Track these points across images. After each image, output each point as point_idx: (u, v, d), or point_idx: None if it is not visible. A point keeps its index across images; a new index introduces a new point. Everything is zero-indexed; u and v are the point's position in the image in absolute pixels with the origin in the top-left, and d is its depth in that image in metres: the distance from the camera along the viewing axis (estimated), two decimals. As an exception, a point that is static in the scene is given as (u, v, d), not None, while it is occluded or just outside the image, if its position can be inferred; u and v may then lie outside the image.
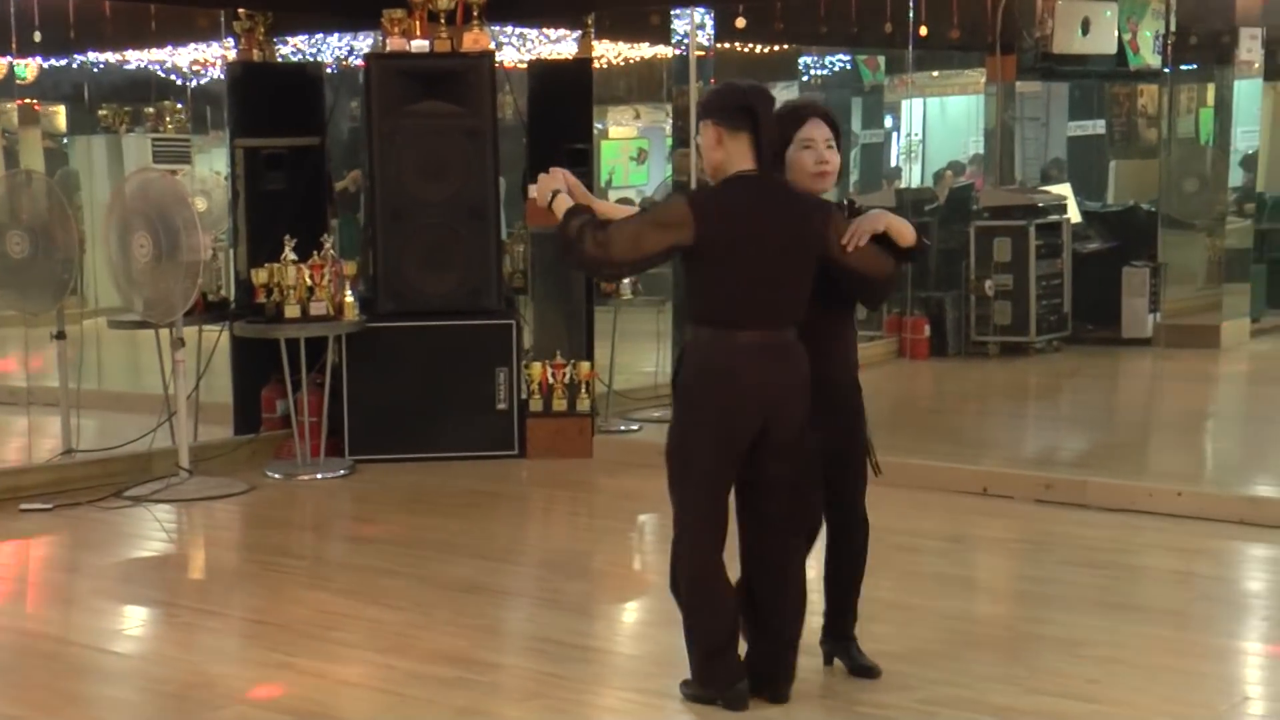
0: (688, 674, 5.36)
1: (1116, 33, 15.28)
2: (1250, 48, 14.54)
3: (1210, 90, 16.73)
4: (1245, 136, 15.23)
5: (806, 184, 5.35)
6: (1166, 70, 15.29)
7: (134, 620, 6.89)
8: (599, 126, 14.70)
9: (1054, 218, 14.12)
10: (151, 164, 12.67)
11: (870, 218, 5.31)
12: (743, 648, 5.31)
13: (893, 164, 18.18)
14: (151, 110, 14.19)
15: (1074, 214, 14.71)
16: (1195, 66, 16.31)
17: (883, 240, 5.29)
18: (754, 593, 5.31)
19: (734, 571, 5.31)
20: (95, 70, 13.94)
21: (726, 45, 13.83)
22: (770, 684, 5.30)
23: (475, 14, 10.18)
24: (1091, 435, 10.79)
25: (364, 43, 11.46)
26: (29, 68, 13.28)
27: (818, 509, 5.51)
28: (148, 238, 8.97)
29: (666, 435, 5.32)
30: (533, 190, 5.95)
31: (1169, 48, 14.97)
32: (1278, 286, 15.77)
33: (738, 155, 5.17)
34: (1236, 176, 15.18)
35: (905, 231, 5.31)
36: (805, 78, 16.75)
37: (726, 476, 5.22)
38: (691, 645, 5.32)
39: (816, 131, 5.41)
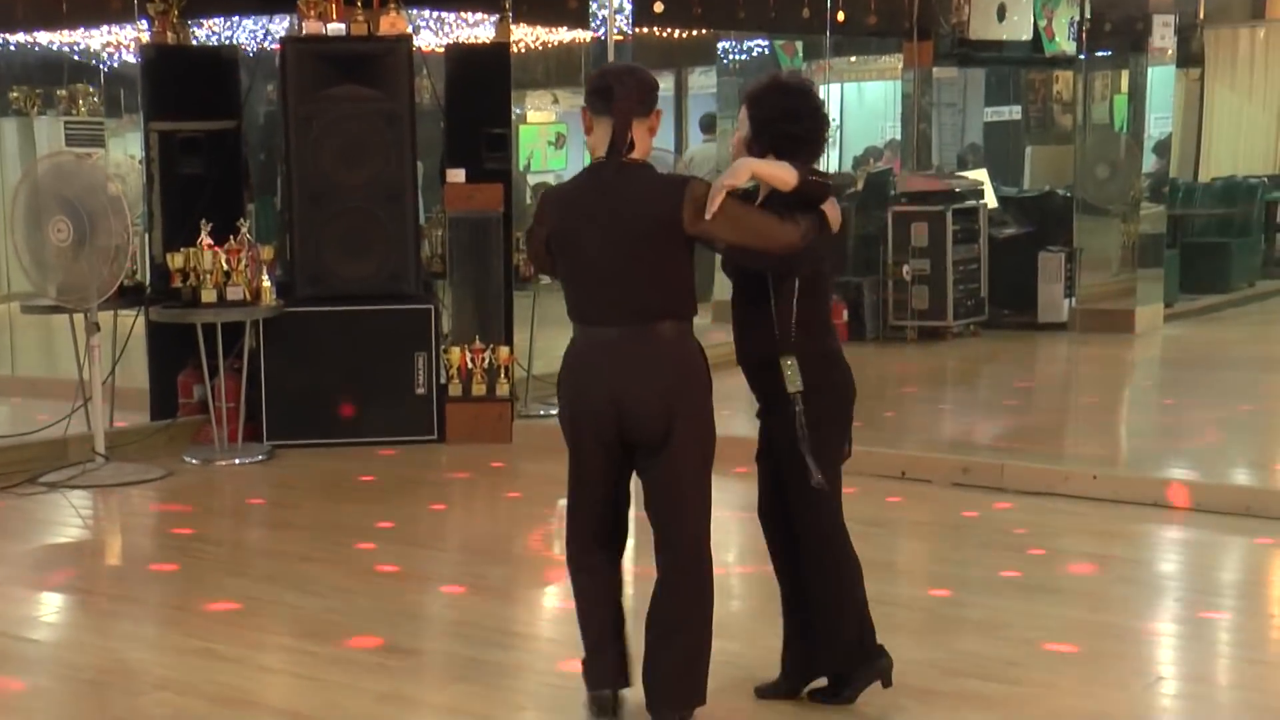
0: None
1: (1032, 19, 15.40)
2: (1164, 34, 14.70)
3: (1124, 77, 16.90)
4: (1158, 123, 15.38)
5: None
6: (1081, 57, 15.44)
7: (50, 607, 6.83)
8: (517, 111, 14.68)
9: (971, 203, 14.21)
10: (64, 147, 12.55)
11: (728, 172, 4.85)
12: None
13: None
14: (64, 93, 14.05)
15: (990, 199, 14.82)
16: (1110, 53, 16.49)
17: (784, 197, 4.90)
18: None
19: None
20: (6, 51, 13.78)
21: (645, 30, 13.83)
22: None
23: (392, -3, 10.14)
24: (1008, 419, 10.87)
25: (280, 25, 11.37)
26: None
27: (821, 514, 5.20)
28: (66, 222, 8.88)
29: None
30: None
31: (1084, 34, 15.12)
32: (1191, 272, 15.97)
33: (601, 140, 4.85)
34: (1150, 162, 15.32)
35: (780, 175, 4.87)
36: (724, 62, 16.77)
37: (593, 471, 4.96)
38: None
39: None
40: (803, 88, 5.18)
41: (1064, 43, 16.03)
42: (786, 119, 5.00)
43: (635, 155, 4.85)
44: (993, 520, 7.89)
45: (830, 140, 5.17)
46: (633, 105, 4.83)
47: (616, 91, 4.83)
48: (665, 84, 17.98)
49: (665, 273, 4.86)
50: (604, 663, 5.09)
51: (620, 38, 10.62)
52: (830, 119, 5.13)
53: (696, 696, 4.98)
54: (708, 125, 16.49)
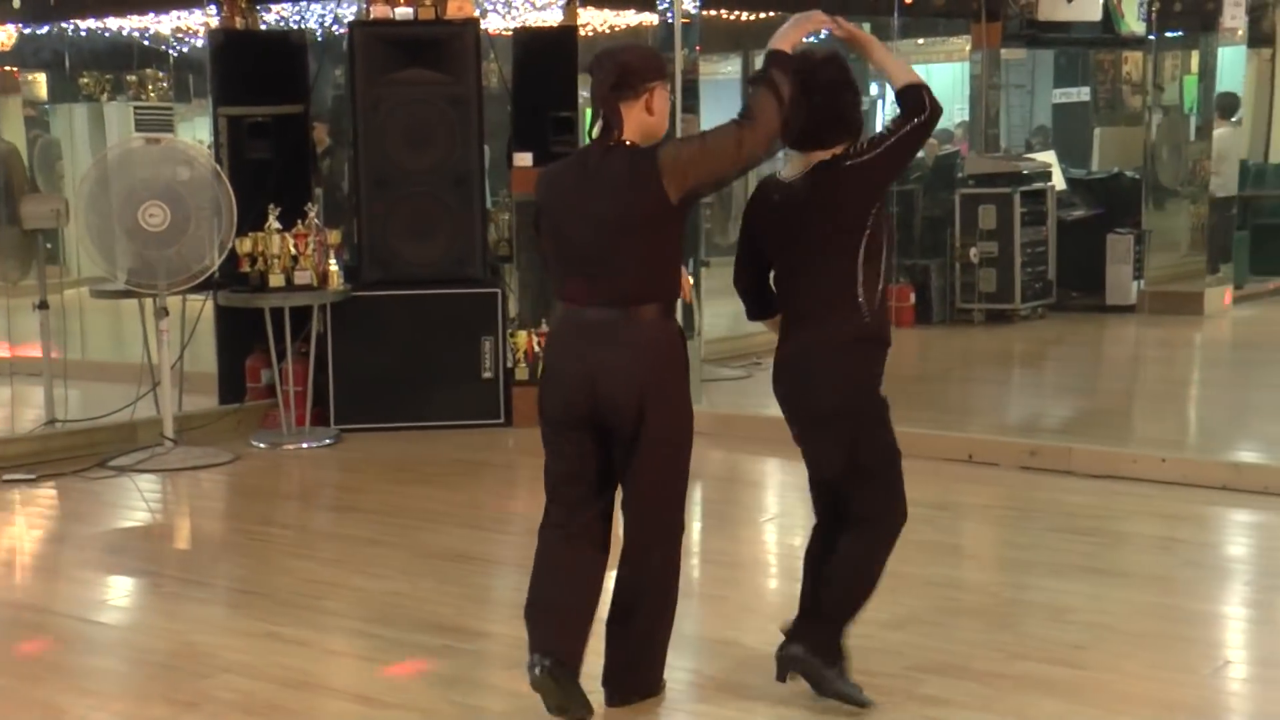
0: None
1: (1102, 0, 15.26)
2: (1234, 14, 14.55)
3: (1194, 57, 16.75)
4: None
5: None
6: (1151, 37, 15.31)
7: (119, 590, 6.89)
8: (584, 94, 14.65)
9: (1039, 185, 14.13)
10: (134, 133, 12.62)
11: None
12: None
13: (878, 131, 18.15)
14: (134, 78, 14.14)
15: (1059, 181, 14.73)
16: (1180, 33, 16.33)
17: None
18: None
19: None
20: (76, 37, 13.88)
21: (712, 12, 13.81)
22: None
23: (460, -19, 10.15)
24: (1076, 402, 10.81)
25: (348, 10, 11.42)
26: (8, 34, 13.23)
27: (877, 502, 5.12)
28: (162, 207, 8.94)
29: None
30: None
31: (1154, 14, 14.99)
32: (1260, 253, 15.82)
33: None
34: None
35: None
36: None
37: (567, 456, 4.96)
38: None
39: None
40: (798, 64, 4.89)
41: (1134, 23, 15.89)
42: None
43: (627, 136, 4.85)
44: (1060, 503, 7.84)
45: (831, 128, 4.96)
46: (605, 90, 4.84)
47: (594, 76, 4.90)
48: (731, 66, 17.94)
49: (643, 256, 4.84)
50: (539, 634, 5.00)
51: (687, 20, 10.59)
52: (823, 104, 4.91)
53: (645, 687, 5.12)
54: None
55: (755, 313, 5.30)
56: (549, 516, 5.09)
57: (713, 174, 4.77)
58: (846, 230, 4.91)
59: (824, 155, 4.92)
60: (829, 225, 4.91)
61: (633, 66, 4.87)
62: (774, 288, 5.17)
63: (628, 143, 4.84)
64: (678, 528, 5.06)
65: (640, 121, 4.85)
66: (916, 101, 4.98)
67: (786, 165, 5.03)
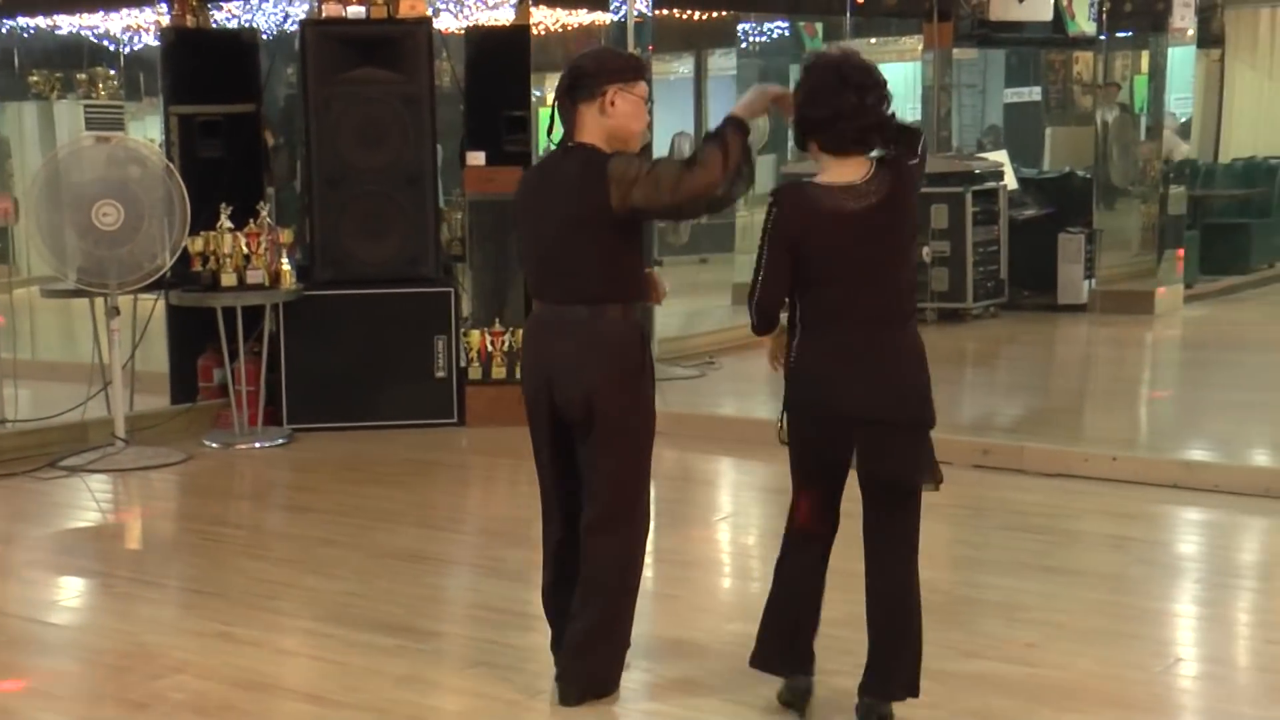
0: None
1: (1053, 0, 15.34)
2: (1184, 15, 14.65)
3: (1145, 57, 16.86)
4: (1179, 104, 15.34)
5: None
6: (1102, 37, 15.39)
7: (71, 591, 6.85)
8: (537, 93, 14.65)
9: (991, 184, 14.18)
10: (84, 131, 12.56)
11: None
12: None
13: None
14: (84, 77, 14.07)
15: (1010, 181, 14.79)
16: (1130, 33, 16.43)
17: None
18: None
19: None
20: (26, 36, 13.80)
21: (665, 11, 13.82)
22: None
23: (412, -21, 10.13)
24: (1028, 401, 10.86)
25: (299, 8, 11.39)
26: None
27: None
28: (116, 206, 8.89)
29: None
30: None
31: (1104, 15, 15.08)
32: (1210, 253, 15.93)
33: None
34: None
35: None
36: (744, 44, 16.77)
37: (545, 454, 5.18)
38: None
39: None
40: (831, 66, 4.74)
41: (1085, 23, 15.98)
42: (807, 101, 4.73)
43: (586, 138, 4.97)
44: (1012, 502, 7.88)
45: (878, 122, 4.80)
46: (561, 93, 5.02)
47: (559, 83, 5.07)
48: (684, 66, 17.96)
49: (596, 256, 4.95)
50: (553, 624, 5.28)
51: (639, 19, 10.60)
52: (865, 99, 4.67)
53: (591, 681, 5.15)
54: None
55: (768, 327, 4.91)
56: (545, 523, 5.29)
57: (648, 201, 4.84)
58: (914, 232, 4.95)
59: (863, 158, 4.74)
60: (906, 227, 4.83)
61: (587, 70, 4.98)
62: (804, 299, 4.81)
63: (587, 145, 4.93)
64: (632, 525, 5.10)
65: (599, 124, 4.96)
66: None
67: (824, 171, 4.75)
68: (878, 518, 4.91)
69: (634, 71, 5.06)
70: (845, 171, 4.72)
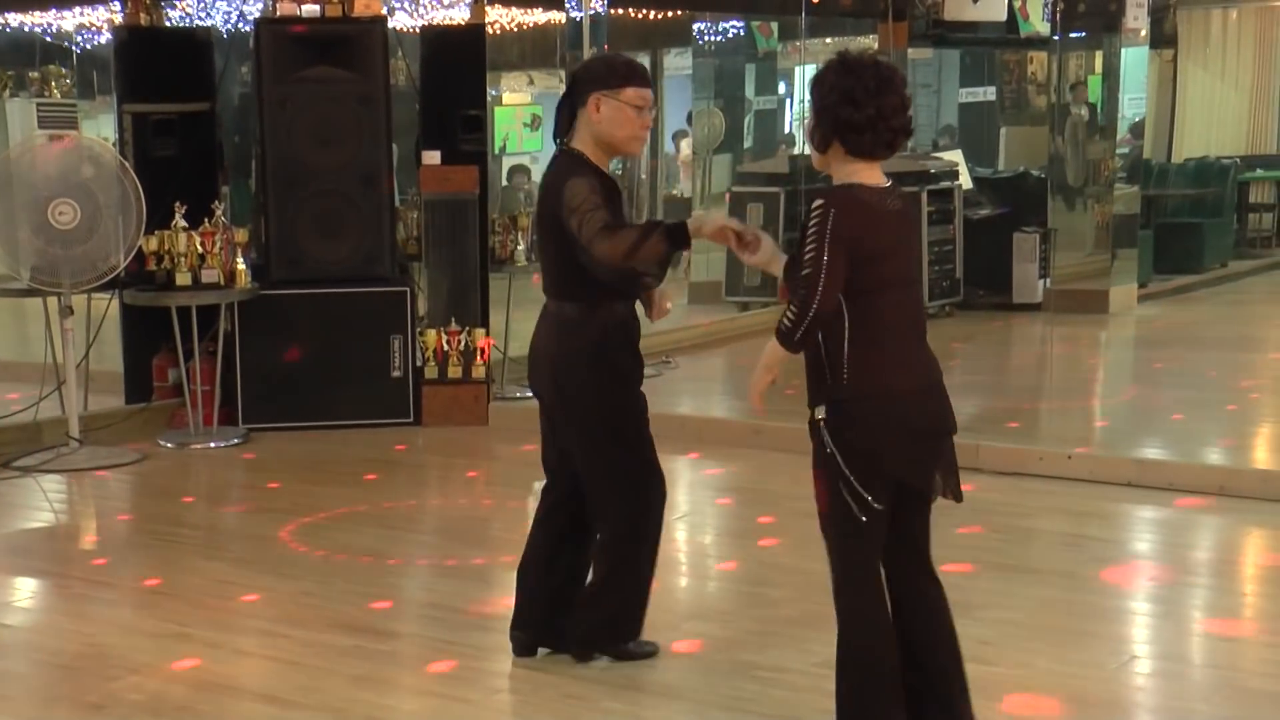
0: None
1: (1007, 0, 15.40)
2: (1137, 15, 14.71)
3: (1098, 58, 16.94)
4: (1132, 104, 15.41)
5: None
6: (1056, 38, 15.45)
7: (24, 592, 6.82)
8: (492, 92, 14.66)
9: (946, 184, 14.22)
10: (37, 130, 12.48)
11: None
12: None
13: (786, 131, 18.25)
14: (36, 74, 13.97)
15: (965, 180, 14.84)
16: (1084, 34, 16.50)
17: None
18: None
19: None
20: (-23, 33, 13.71)
21: (620, 11, 13.81)
22: None
23: (367, -22, 10.10)
24: (983, 400, 10.88)
25: (254, 7, 11.34)
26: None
27: None
28: (73, 205, 8.84)
29: None
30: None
31: (1058, 15, 15.13)
32: (1165, 252, 16.01)
33: None
34: (1124, 144, 15.36)
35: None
36: (699, 43, 16.78)
37: (541, 434, 5.52)
38: None
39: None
40: (868, 66, 4.45)
41: (1039, 23, 16.04)
42: (844, 102, 4.38)
43: (576, 141, 5.21)
44: (968, 500, 7.85)
45: (912, 127, 4.55)
46: (561, 98, 5.28)
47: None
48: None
49: (553, 256, 5.23)
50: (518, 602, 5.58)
51: (594, 19, 10.60)
52: (907, 100, 4.45)
53: (589, 633, 5.45)
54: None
55: (814, 339, 4.43)
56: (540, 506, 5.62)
57: (575, 235, 5.03)
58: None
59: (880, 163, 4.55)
60: (919, 233, 4.88)
61: (577, 76, 5.29)
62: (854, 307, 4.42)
63: (571, 151, 5.20)
64: (615, 514, 5.31)
65: (588, 129, 5.19)
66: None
67: (853, 175, 4.47)
68: (914, 540, 4.74)
69: (620, 79, 5.15)
70: (875, 175, 4.49)
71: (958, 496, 4.76)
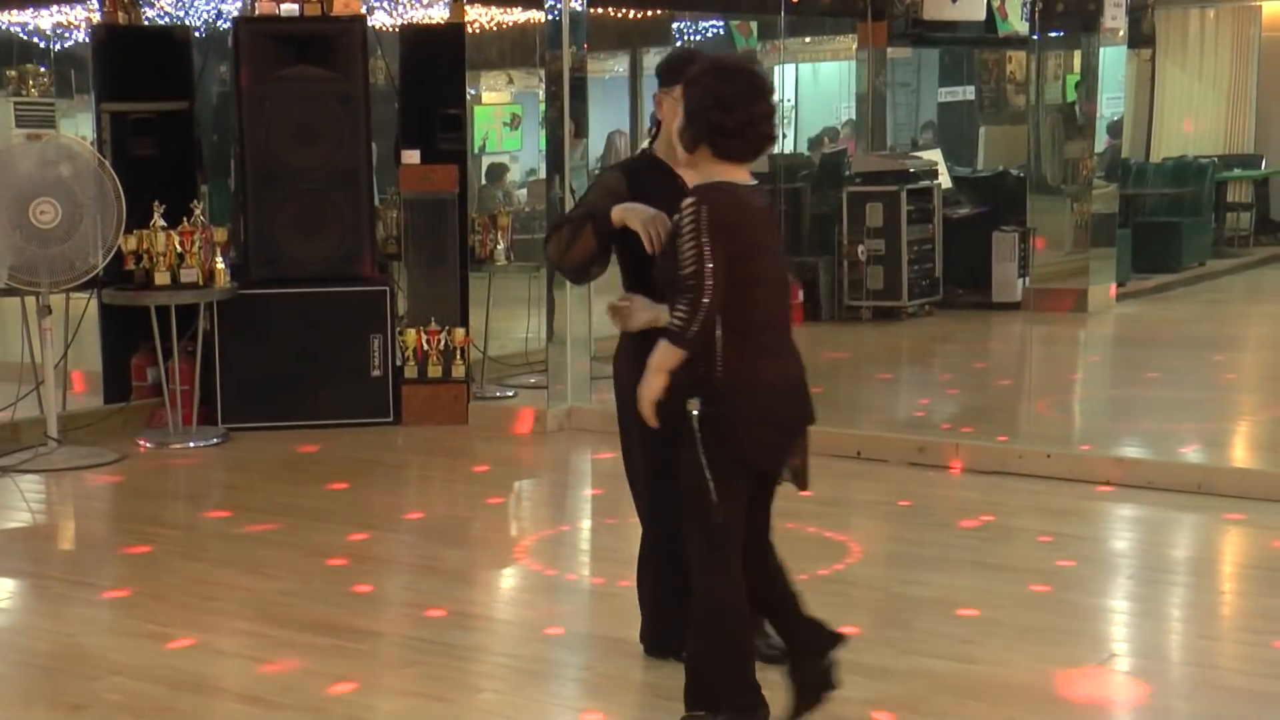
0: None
1: (986, 0, 15.43)
2: (1115, 15, 14.74)
3: (1077, 57, 16.96)
4: (1110, 103, 15.44)
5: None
6: (1034, 37, 15.48)
7: (2, 592, 6.79)
8: (472, 92, 14.65)
9: (925, 183, 14.25)
10: (14, 129, 12.45)
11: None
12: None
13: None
14: (14, 73, 13.93)
15: (945, 179, 14.86)
16: (1062, 33, 16.53)
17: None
18: None
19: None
20: (-46, 32, 13.67)
21: (600, 10, 13.81)
22: None
23: (346, -23, 10.09)
24: (963, 399, 10.92)
25: (233, 5, 11.32)
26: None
27: None
28: (54, 204, 8.82)
29: None
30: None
31: (1036, 15, 15.16)
32: (1143, 251, 16.05)
33: None
34: (1102, 143, 15.38)
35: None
36: (679, 42, 16.78)
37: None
38: None
39: None
40: (743, 72, 4.58)
41: (1017, 23, 16.07)
42: (717, 107, 4.48)
43: (660, 137, 5.35)
44: (948, 499, 7.92)
45: (777, 134, 4.75)
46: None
47: None
48: (619, 65, 17.97)
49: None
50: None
51: (574, 18, 10.58)
52: (775, 108, 4.56)
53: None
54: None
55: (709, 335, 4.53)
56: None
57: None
58: None
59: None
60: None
61: (660, 73, 5.36)
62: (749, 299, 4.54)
63: (646, 150, 5.46)
64: (659, 509, 5.34)
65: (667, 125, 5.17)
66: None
67: (730, 172, 4.57)
68: (766, 516, 4.87)
69: (672, 75, 5.15)
70: (742, 175, 4.60)
71: (803, 485, 4.85)
